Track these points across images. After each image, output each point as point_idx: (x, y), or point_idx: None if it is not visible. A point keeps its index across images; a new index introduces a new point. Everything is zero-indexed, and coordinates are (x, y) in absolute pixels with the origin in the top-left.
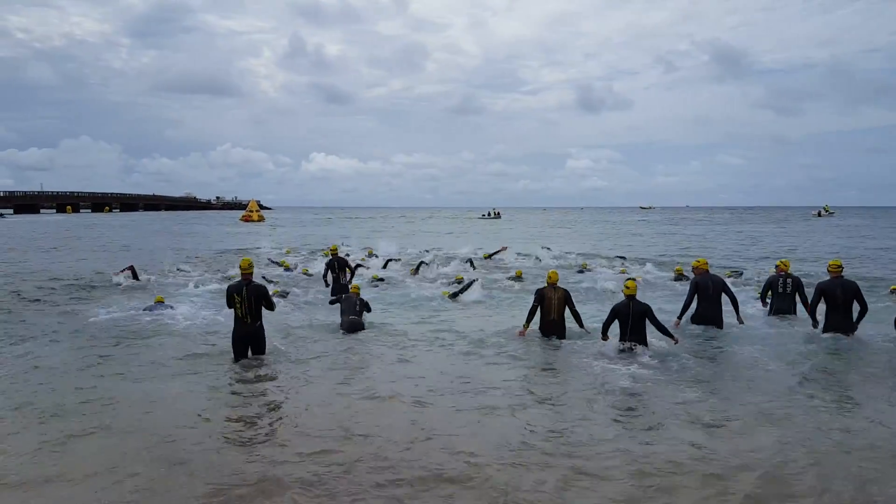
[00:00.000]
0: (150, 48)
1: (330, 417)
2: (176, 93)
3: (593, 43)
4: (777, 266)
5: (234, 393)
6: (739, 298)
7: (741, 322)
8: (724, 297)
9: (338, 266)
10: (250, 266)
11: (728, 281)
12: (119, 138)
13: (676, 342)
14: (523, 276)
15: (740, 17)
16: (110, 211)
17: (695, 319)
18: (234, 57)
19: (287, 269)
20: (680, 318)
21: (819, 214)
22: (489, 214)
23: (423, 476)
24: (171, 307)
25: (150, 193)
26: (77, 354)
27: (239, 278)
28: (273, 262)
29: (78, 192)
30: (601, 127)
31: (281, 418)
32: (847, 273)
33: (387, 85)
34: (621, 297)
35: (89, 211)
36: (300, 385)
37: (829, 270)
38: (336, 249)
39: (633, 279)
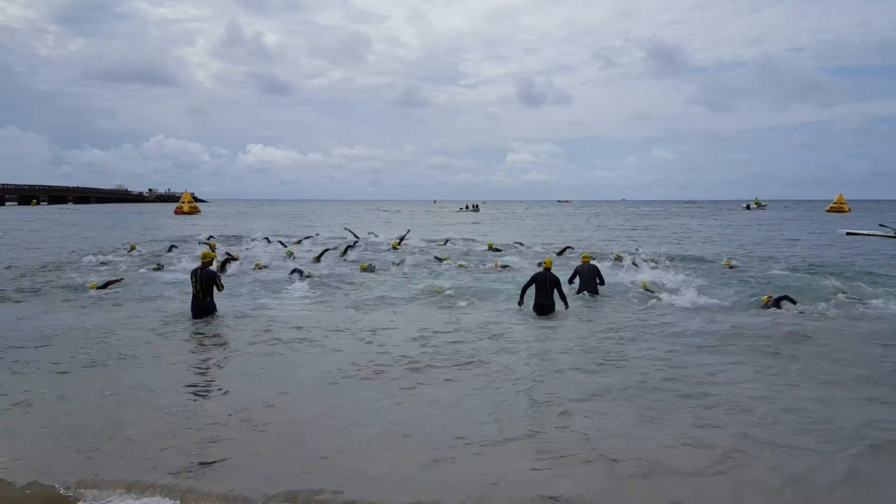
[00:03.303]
0: (80, 35)
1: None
2: (108, 81)
3: (533, 38)
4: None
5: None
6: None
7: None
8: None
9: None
10: (207, 256)
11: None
12: (48, 128)
13: (567, 308)
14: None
15: (673, 15)
16: (38, 204)
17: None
18: (168, 45)
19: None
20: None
21: (748, 207)
22: (467, 207)
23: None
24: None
25: (80, 185)
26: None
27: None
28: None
29: (3, 185)
30: (542, 121)
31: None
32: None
33: (327, 76)
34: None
35: (15, 204)
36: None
37: (582, 259)
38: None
39: (550, 258)
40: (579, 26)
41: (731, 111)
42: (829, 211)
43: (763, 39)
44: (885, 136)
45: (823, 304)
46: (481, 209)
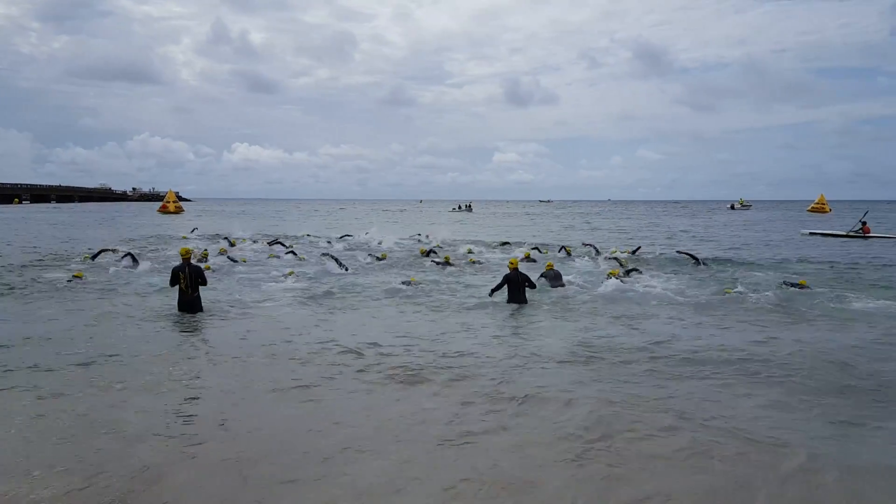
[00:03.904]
0: (62, 33)
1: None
2: (91, 79)
3: (520, 38)
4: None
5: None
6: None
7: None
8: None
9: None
10: (188, 252)
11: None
12: (30, 126)
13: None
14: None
15: (658, 15)
16: (20, 203)
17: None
18: (153, 43)
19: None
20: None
21: (733, 207)
22: (460, 208)
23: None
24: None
25: (63, 184)
26: None
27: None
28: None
29: None
30: (528, 121)
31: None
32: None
33: (313, 74)
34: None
35: None
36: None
37: (547, 266)
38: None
39: (516, 258)
40: (565, 26)
41: (715, 112)
42: (810, 211)
43: (747, 40)
44: (868, 137)
45: (771, 295)
46: (473, 209)
